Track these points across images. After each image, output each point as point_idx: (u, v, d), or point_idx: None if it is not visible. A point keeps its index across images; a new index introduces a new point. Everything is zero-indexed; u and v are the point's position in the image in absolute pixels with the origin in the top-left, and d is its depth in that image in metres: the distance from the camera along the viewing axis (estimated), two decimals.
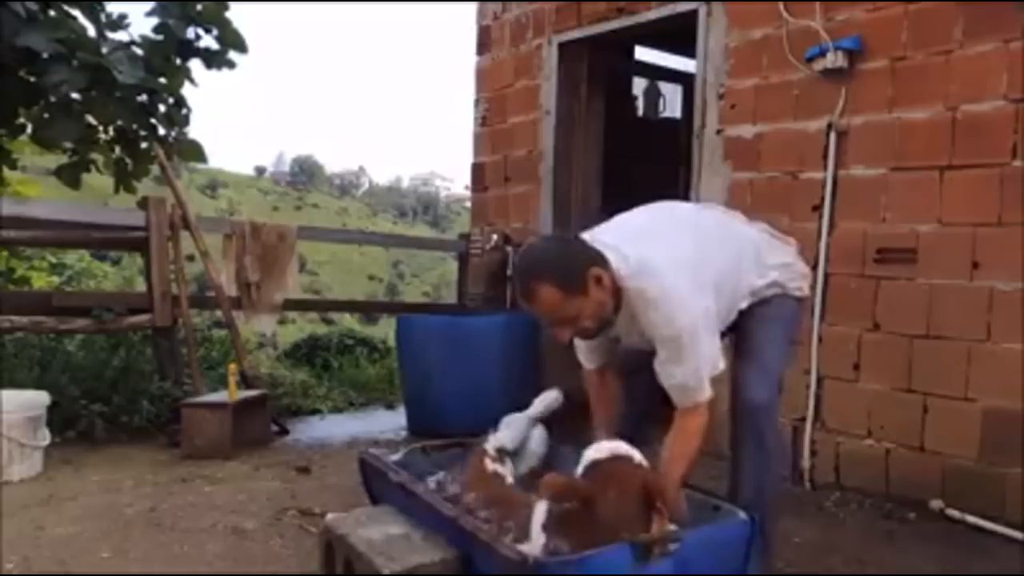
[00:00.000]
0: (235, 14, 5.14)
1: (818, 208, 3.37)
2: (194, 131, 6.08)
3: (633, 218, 2.19)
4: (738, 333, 2.21)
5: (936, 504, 2.96)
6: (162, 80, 4.91)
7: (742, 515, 1.86)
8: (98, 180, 5.60)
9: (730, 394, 2.12)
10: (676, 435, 1.96)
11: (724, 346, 2.08)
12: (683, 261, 1.98)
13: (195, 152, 5.27)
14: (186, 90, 5.09)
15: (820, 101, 3.38)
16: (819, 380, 3.36)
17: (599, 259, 1.94)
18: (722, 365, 1.98)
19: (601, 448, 1.80)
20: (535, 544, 1.68)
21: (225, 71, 5.16)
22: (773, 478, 2.19)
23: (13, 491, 2.91)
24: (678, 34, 4.17)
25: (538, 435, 2.34)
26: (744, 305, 2.16)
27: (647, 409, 2.33)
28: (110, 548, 2.40)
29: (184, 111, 5.13)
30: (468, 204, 5.80)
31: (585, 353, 2.28)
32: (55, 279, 7.76)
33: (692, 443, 1.96)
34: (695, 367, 1.93)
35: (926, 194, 3.06)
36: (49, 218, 4.01)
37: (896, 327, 3.15)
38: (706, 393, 1.95)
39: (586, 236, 2.03)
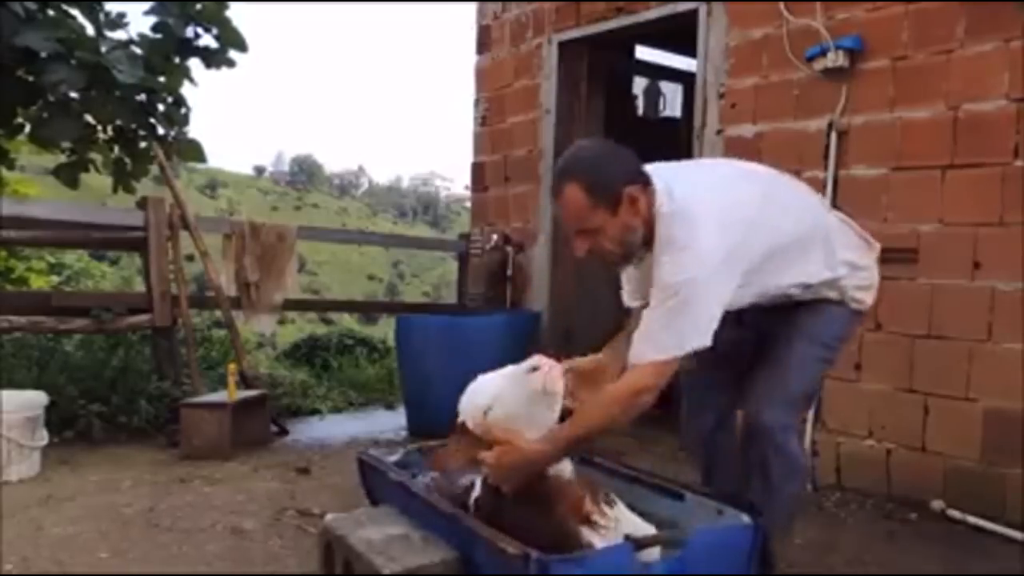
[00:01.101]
0: (235, 13, 5.14)
1: None
2: (193, 130, 6.09)
3: (707, 163, 2.05)
4: (772, 332, 1.99)
5: (937, 505, 2.95)
6: (161, 79, 4.90)
7: (746, 519, 1.85)
8: (97, 180, 5.60)
9: (743, 402, 1.97)
10: (607, 391, 1.75)
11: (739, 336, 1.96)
12: (734, 213, 1.77)
13: (194, 151, 5.27)
14: (185, 89, 5.09)
15: (821, 100, 3.37)
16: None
17: (642, 180, 1.78)
18: (704, 342, 1.73)
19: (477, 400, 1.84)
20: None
21: (225, 70, 5.16)
22: (779, 506, 1.93)
23: (11, 491, 2.90)
24: (678, 33, 4.17)
25: None
26: (794, 292, 1.93)
27: (721, 416, 2.12)
28: (108, 548, 2.39)
29: (183, 110, 5.13)
30: (468, 204, 5.80)
31: (628, 284, 2.08)
32: (54, 279, 7.76)
33: (613, 407, 1.73)
34: (677, 327, 1.71)
35: (927, 194, 3.06)
36: (48, 218, 4.00)
37: (897, 327, 3.14)
38: (665, 358, 1.71)
39: (648, 167, 1.85)
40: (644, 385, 1.72)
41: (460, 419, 1.85)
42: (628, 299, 2.11)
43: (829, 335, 1.99)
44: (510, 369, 1.86)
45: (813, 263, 1.91)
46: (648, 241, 1.82)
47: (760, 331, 2.04)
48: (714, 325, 1.73)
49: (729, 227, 1.75)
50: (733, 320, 1.88)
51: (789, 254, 1.88)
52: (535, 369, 1.74)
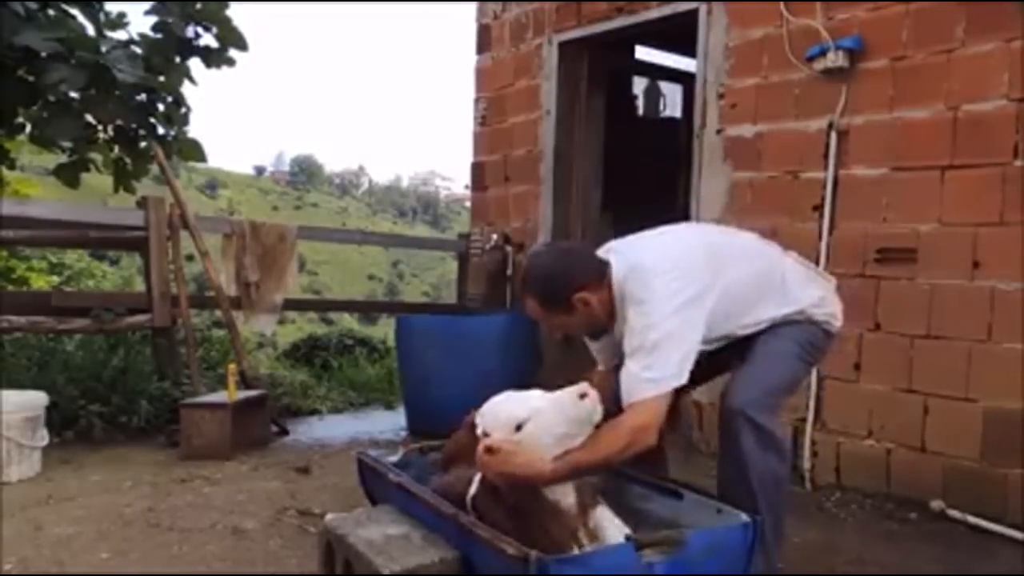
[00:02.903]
0: (235, 12, 5.15)
1: (819, 208, 3.36)
2: (193, 130, 6.11)
3: (662, 228, 2.20)
4: (747, 348, 2.10)
5: (937, 505, 2.95)
6: (161, 79, 4.91)
7: (744, 517, 1.85)
8: (97, 180, 5.60)
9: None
10: (613, 425, 1.82)
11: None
12: (683, 263, 1.95)
13: (195, 151, 5.27)
14: (185, 89, 5.09)
15: (821, 101, 3.37)
16: (820, 380, 3.35)
17: (592, 279, 1.98)
18: (681, 380, 1.86)
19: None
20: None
21: (225, 69, 5.17)
22: (756, 483, 1.96)
23: (12, 491, 2.90)
24: (678, 33, 4.16)
25: None
26: (754, 330, 2.08)
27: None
28: (109, 548, 2.39)
29: (183, 110, 5.14)
30: (468, 204, 5.80)
31: (596, 351, 2.26)
32: (54, 279, 7.76)
33: (620, 441, 1.80)
34: (655, 368, 1.84)
35: (927, 194, 3.06)
36: (47, 218, 4.00)
37: (897, 327, 3.14)
38: (655, 391, 1.83)
39: (614, 244, 2.10)
40: (643, 423, 1.83)
41: (480, 429, 1.82)
42: (602, 366, 2.27)
43: (802, 337, 2.11)
44: (553, 393, 1.84)
45: (771, 303, 2.08)
46: (612, 314, 2.02)
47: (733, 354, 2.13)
48: (688, 364, 1.88)
49: (678, 274, 1.92)
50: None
51: (746, 297, 2.05)
52: (584, 396, 1.76)
